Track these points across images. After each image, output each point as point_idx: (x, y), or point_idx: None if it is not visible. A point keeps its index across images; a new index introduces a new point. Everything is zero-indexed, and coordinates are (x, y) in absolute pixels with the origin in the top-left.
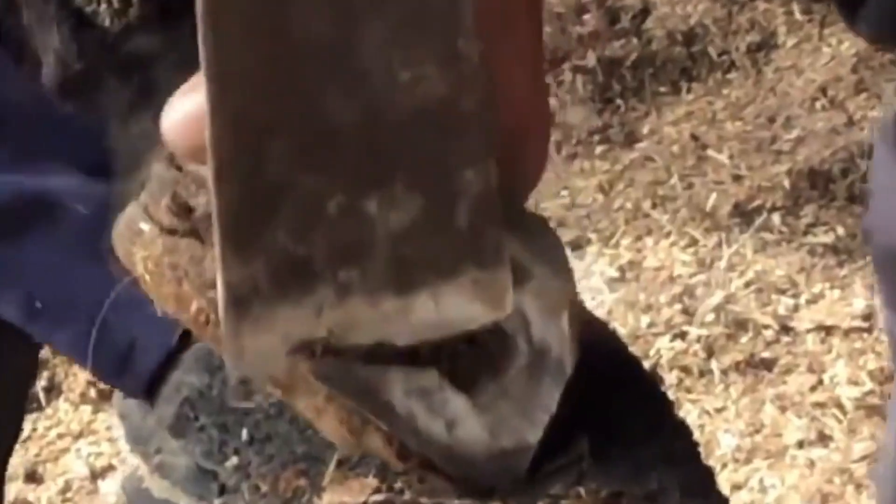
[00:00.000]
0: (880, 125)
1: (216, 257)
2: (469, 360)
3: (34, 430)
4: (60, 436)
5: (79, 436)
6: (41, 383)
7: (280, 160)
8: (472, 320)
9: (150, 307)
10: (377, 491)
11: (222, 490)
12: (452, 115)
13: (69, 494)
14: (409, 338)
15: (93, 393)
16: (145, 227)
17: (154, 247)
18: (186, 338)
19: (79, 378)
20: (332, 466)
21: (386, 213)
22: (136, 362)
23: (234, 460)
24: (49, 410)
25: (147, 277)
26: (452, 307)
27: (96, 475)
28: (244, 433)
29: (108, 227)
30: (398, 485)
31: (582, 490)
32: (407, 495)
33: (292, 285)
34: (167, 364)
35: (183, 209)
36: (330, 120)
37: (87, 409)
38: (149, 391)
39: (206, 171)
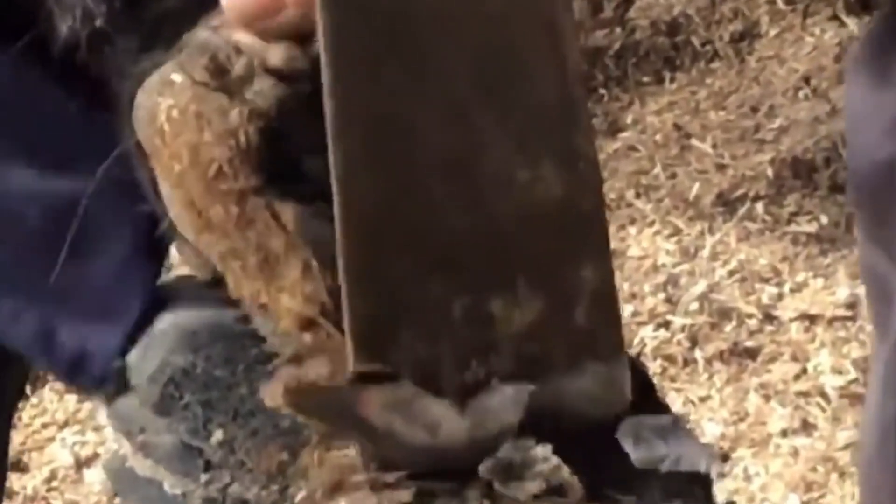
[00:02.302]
0: (852, 54)
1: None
2: None
3: (19, 419)
4: (45, 425)
5: (64, 425)
6: None
7: (407, 271)
8: (594, 413)
9: (97, 318)
10: (360, 469)
11: (207, 466)
12: (570, 215)
13: (54, 483)
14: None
15: None
16: (177, 77)
17: (183, 95)
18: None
19: None
20: (315, 441)
21: (510, 313)
22: (87, 367)
23: (218, 436)
24: (34, 399)
25: (166, 127)
26: (576, 402)
27: (81, 464)
28: (228, 409)
29: (60, 236)
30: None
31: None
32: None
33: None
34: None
35: (219, 69)
36: (453, 228)
37: (72, 399)
38: (100, 386)
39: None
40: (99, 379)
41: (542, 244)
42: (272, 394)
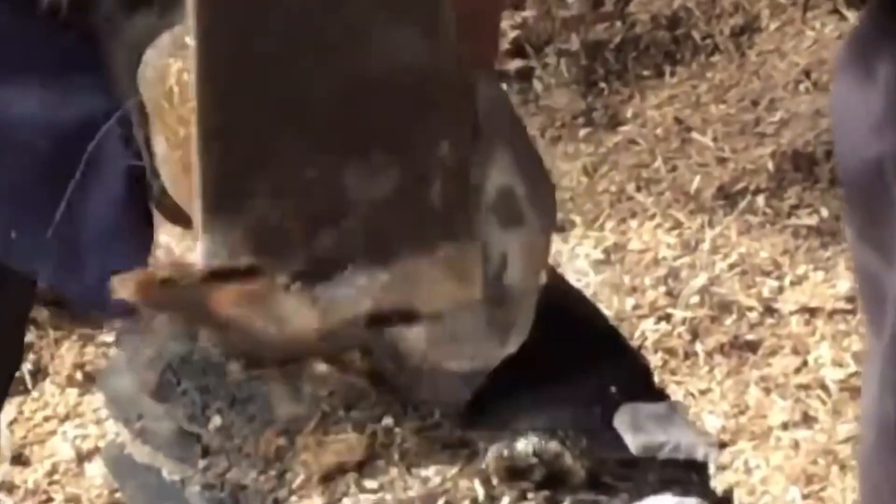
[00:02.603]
0: (840, 52)
1: (196, 225)
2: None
3: (20, 412)
4: (47, 418)
5: (65, 418)
6: (27, 366)
7: (261, 128)
8: (444, 299)
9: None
10: (358, 452)
11: (205, 452)
12: (430, 86)
13: (56, 477)
14: (377, 309)
15: (79, 376)
16: (191, 42)
17: None
18: None
19: (65, 361)
20: (311, 426)
21: (363, 182)
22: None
23: (216, 421)
24: (35, 393)
25: (176, 90)
26: (426, 282)
27: (83, 458)
28: (226, 395)
29: (67, 162)
30: (379, 443)
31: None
32: (385, 457)
33: (267, 254)
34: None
35: None
36: (311, 89)
37: (73, 392)
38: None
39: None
40: (124, 304)
41: (400, 114)
42: (124, 286)
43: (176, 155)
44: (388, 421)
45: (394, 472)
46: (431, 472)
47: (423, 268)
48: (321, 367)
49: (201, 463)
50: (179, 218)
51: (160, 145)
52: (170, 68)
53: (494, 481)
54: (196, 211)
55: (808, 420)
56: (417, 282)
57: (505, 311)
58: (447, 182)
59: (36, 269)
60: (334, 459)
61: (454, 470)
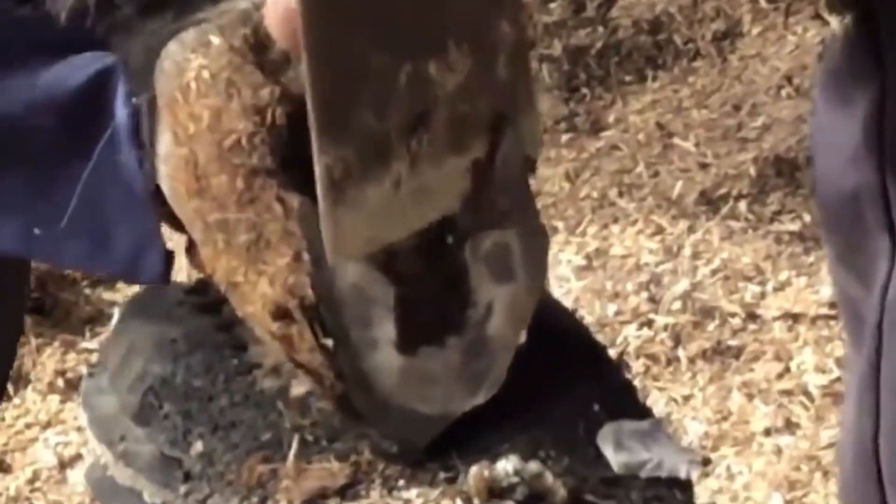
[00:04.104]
0: (819, 77)
1: (313, 143)
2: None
3: (2, 419)
4: (28, 425)
5: (47, 425)
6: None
7: (362, 47)
8: (516, 164)
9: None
10: (340, 477)
11: (187, 477)
12: None
13: (37, 484)
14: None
15: (60, 382)
16: (216, 39)
17: (219, 59)
18: None
19: (46, 367)
20: (293, 451)
21: (444, 76)
22: (147, 262)
23: (198, 447)
24: (17, 400)
25: (193, 85)
26: (500, 156)
27: (64, 465)
28: (208, 421)
29: (76, 136)
30: (361, 470)
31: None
32: (366, 481)
33: (374, 163)
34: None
35: (259, 44)
36: None
37: (54, 399)
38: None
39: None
40: (162, 269)
41: (465, 3)
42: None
43: (180, 151)
44: (367, 456)
45: (375, 495)
46: (413, 495)
47: (498, 143)
48: (299, 390)
49: (182, 488)
50: (167, 218)
51: (164, 143)
52: (191, 63)
53: (476, 502)
54: (313, 132)
55: (790, 426)
56: (494, 157)
57: (481, 361)
58: (510, 59)
59: (63, 258)
60: (317, 484)
61: (436, 492)
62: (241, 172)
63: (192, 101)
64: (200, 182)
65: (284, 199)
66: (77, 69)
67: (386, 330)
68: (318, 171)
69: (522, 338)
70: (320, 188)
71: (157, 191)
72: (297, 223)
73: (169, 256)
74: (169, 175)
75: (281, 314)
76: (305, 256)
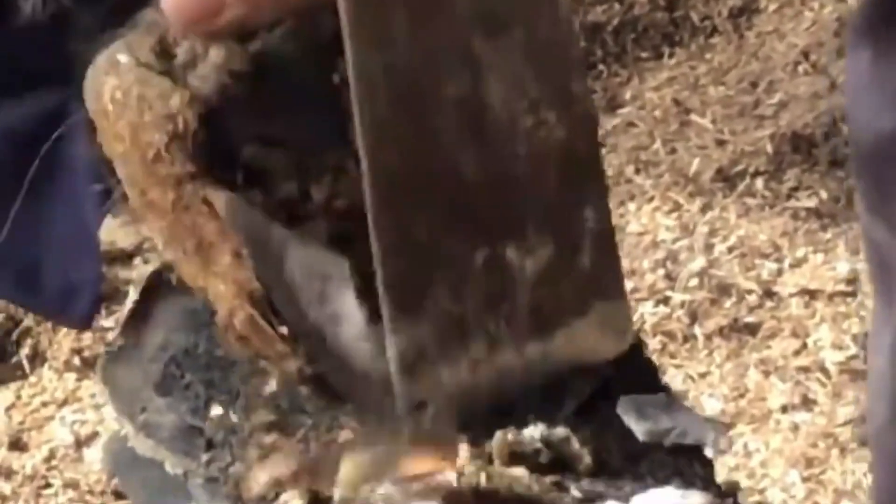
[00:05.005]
0: (851, 24)
1: (385, 324)
2: None
3: (18, 398)
4: (45, 404)
5: (63, 403)
6: (25, 351)
7: (433, 228)
8: (601, 353)
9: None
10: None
11: (208, 446)
12: (570, 158)
13: (54, 462)
14: (545, 379)
15: (77, 361)
16: (123, 58)
17: (127, 77)
18: None
19: (63, 346)
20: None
21: (522, 260)
22: (75, 301)
23: (220, 415)
24: (33, 378)
25: (110, 107)
26: (584, 343)
27: (81, 443)
28: (230, 390)
29: (28, 164)
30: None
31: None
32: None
33: (451, 344)
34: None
35: (165, 52)
36: (469, 180)
37: (71, 377)
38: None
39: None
40: (88, 313)
41: (547, 189)
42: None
43: (122, 172)
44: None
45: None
46: None
47: (582, 330)
48: (272, 386)
49: (204, 457)
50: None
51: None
52: (104, 86)
53: (497, 463)
54: (385, 313)
55: (807, 403)
56: (578, 344)
57: None
58: (594, 246)
59: None
60: (277, 472)
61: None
62: (169, 182)
63: (113, 122)
64: (143, 197)
65: (211, 199)
66: (28, 102)
67: (347, 303)
68: (390, 352)
69: None
70: (394, 370)
71: None
72: (228, 220)
73: (98, 302)
74: (125, 193)
75: (236, 311)
76: (243, 250)
